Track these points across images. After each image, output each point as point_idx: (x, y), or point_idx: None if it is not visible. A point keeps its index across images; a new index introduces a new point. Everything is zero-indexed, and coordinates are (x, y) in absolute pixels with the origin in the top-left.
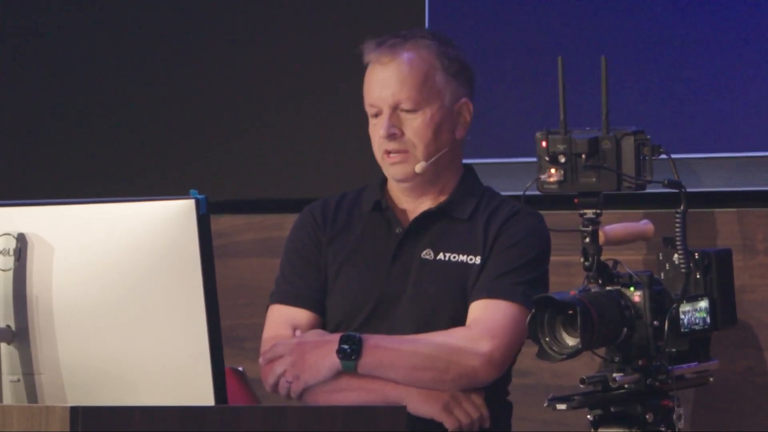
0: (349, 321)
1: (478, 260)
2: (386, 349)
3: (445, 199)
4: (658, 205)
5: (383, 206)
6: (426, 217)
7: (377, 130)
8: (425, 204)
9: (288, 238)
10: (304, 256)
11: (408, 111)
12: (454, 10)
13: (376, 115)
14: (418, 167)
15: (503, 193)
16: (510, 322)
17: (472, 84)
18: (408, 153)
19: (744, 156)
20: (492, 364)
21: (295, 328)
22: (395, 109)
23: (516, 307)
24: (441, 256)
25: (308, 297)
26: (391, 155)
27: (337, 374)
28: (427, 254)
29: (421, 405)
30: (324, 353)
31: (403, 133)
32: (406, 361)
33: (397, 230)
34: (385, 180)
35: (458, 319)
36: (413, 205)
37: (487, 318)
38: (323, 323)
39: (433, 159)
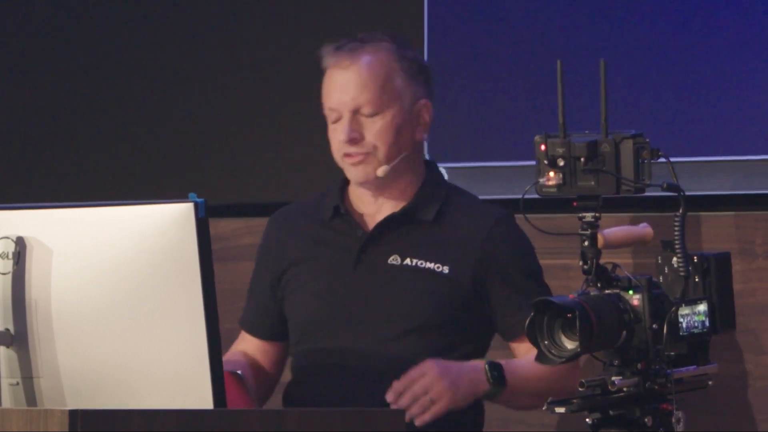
0: (314, 328)
1: (446, 269)
2: (518, 377)
3: (408, 201)
4: (657, 209)
5: (342, 211)
6: (390, 221)
7: (337, 134)
8: (387, 207)
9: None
10: (259, 280)
11: (368, 115)
12: (453, 12)
13: (336, 120)
14: (380, 171)
15: (502, 197)
16: None
17: (431, 84)
18: (369, 155)
19: (743, 159)
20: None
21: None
22: (355, 113)
23: None
24: (408, 261)
25: (259, 325)
26: (352, 156)
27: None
28: (394, 260)
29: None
30: (476, 380)
31: (363, 137)
32: (531, 388)
33: (359, 234)
34: (344, 185)
35: (427, 326)
36: (374, 208)
37: None
38: (277, 348)
39: (394, 162)
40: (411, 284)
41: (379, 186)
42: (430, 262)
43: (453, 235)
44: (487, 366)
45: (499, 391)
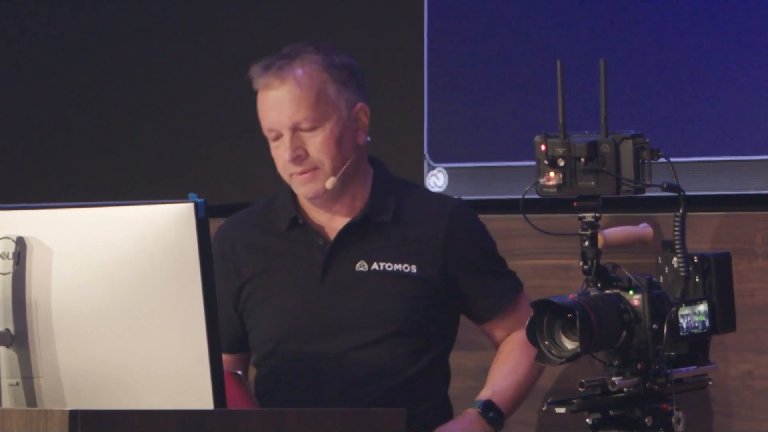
0: (285, 343)
1: (414, 269)
2: (511, 399)
3: (363, 205)
4: (657, 209)
5: (300, 222)
6: (351, 227)
7: (280, 153)
8: (341, 213)
9: None
10: (219, 297)
11: (308, 129)
12: (453, 13)
13: (276, 138)
14: (329, 183)
15: (502, 198)
16: None
17: (363, 85)
18: (317, 170)
19: (743, 159)
20: None
21: None
22: (295, 130)
23: (525, 292)
24: (375, 266)
25: (223, 339)
26: (301, 175)
27: None
28: (361, 266)
29: None
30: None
31: (307, 153)
32: (523, 395)
33: (320, 242)
34: (295, 194)
35: (402, 330)
36: (328, 216)
37: (525, 317)
38: (243, 358)
39: (341, 172)
40: (382, 289)
41: (329, 198)
42: (398, 264)
43: (414, 233)
44: (480, 412)
45: (502, 424)
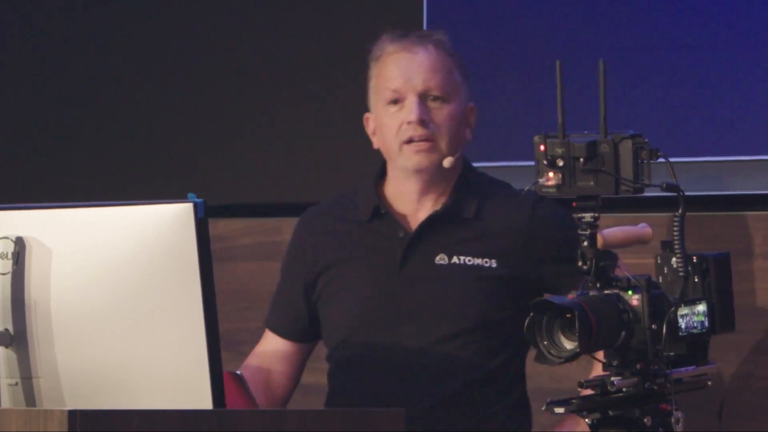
0: (358, 333)
1: (494, 263)
2: None
3: (447, 199)
4: (656, 209)
5: (382, 211)
6: (433, 220)
7: (399, 116)
8: (427, 206)
9: (284, 252)
10: (290, 283)
11: (436, 98)
12: (452, 13)
13: (396, 101)
14: (447, 162)
15: None
16: None
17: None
18: (433, 143)
19: (742, 160)
20: None
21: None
22: (423, 96)
23: None
24: (456, 259)
25: (289, 327)
26: (416, 143)
27: None
28: (441, 259)
29: None
30: None
31: (432, 120)
32: None
33: (401, 234)
34: (379, 183)
35: (480, 325)
36: (414, 207)
37: None
38: (303, 349)
39: (456, 155)
40: (461, 283)
41: (429, 179)
42: (478, 258)
43: (496, 228)
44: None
45: None
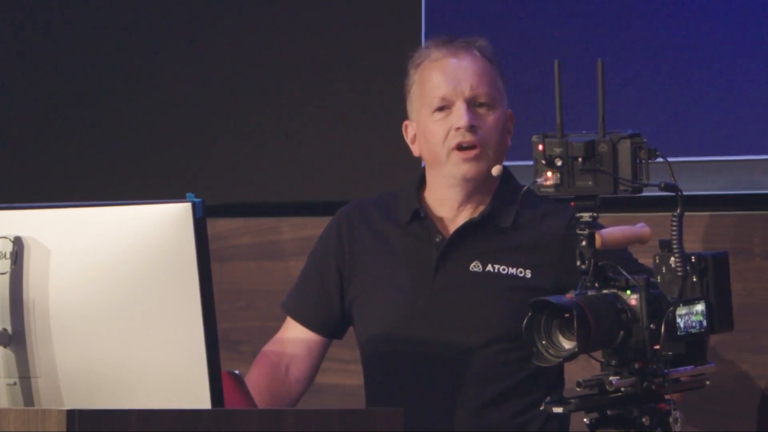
0: (390, 333)
1: (528, 274)
2: None
3: (485, 207)
4: (654, 209)
5: (422, 215)
6: (469, 227)
7: (446, 122)
8: (465, 213)
9: (316, 242)
10: (320, 271)
11: (483, 105)
12: (450, 13)
13: (442, 108)
14: (495, 170)
15: None
16: None
17: None
18: (481, 150)
19: (741, 159)
20: None
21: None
22: (471, 103)
23: None
24: (490, 268)
25: (314, 317)
26: (465, 150)
27: None
28: (476, 266)
29: None
30: None
31: (480, 127)
32: None
33: (437, 239)
34: (420, 186)
35: (512, 335)
36: (453, 213)
37: None
38: (324, 342)
39: (503, 163)
40: (494, 291)
41: (474, 188)
42: (513, 268)
43: (531, 239)
44: None
45: None
